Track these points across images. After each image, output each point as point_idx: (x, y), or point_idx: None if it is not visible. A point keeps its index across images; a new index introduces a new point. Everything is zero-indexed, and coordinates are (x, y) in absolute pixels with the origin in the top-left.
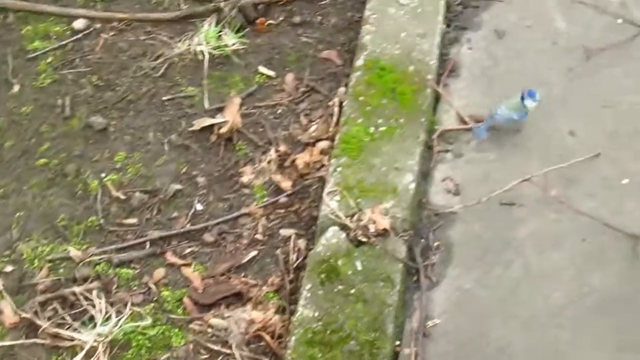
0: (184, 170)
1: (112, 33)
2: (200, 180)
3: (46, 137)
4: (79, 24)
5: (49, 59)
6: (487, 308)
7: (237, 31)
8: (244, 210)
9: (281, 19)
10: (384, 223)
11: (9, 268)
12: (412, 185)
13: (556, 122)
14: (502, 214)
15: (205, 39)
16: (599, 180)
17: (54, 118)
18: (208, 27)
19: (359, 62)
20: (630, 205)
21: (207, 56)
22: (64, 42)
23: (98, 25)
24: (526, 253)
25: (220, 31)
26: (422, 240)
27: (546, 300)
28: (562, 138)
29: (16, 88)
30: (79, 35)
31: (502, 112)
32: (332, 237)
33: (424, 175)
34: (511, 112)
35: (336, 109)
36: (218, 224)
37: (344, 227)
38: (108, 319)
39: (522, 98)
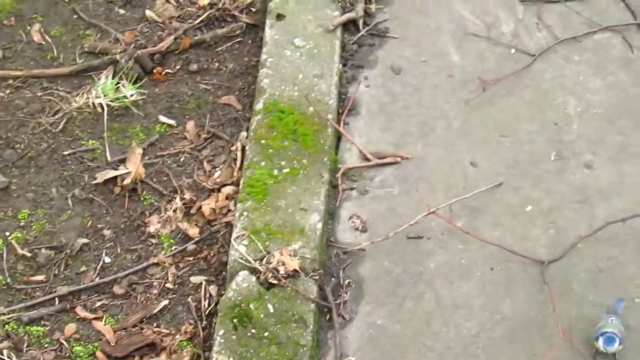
0: (89, 224)
1: (8, 91)
2: (107, 232)
3: None
4: None
5: None
6: (401, 342)
7: (135, 82)
8: (153, 260)
9: (178, 67)
10: (293, 264)
11: None
12: (319, 225)
13: (457, 154)
14: (410, 248)
15: (103, 91)
16: (503, 209)
17: None
18: (105, 80)
19: (259, 105)
20: (535, 232)
21: (106, 109)
22: None
23: None
24: (436, 285)
25: (117, 83)
26: (333, 279)
27: (459, 330)
28: (464, 169)
29: None
30: None
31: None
32: (242, 281)
33: (331, 214)
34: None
35: (239, 154)
36: (127, 275)
37: (253, 271)
38: None
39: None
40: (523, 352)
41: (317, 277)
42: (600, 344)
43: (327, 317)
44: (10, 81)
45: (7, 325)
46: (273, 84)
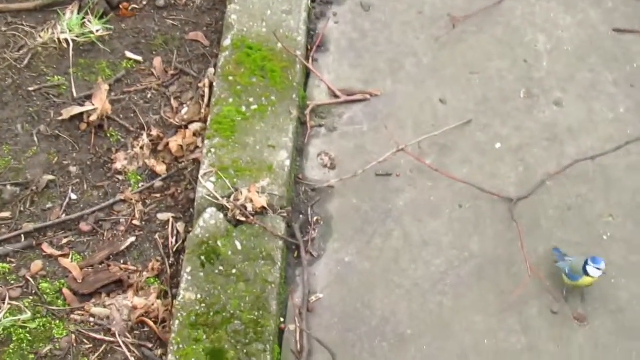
0: (55, 160)
1: None
2: (73, 169)
3: None
4: None
5: None
6: (369, 279)
7: (101, 17)
8: (120, 197)
9: (145, 3)
10: (261, 201)
11: None
12: (288, 162)
13: (426, 91)
14: (379, 185)
15: (69, 27)
16: (472, 147)
17: None
18: (70, 15)
19: (227, 42)
20: (504, 169)
21: (71, 44)
22: None
23: None
24: (405, 222)
25: (83, 18)
26: (301, 216)
27: (427, 268)
28: (433, 106)
29: None
30: None
31: (567, 271)
32: (210, 218)
33: (299, 151)
34: (575, 275)
35: (207, 90)
36: (94, 212)
37: (221, 208)
38: None
39: (586, 264)
40: (491, 289)
41: (285, 214)
42: (591, 266)
43: (295, 254)
44: None
45: None
46: (241, 20)
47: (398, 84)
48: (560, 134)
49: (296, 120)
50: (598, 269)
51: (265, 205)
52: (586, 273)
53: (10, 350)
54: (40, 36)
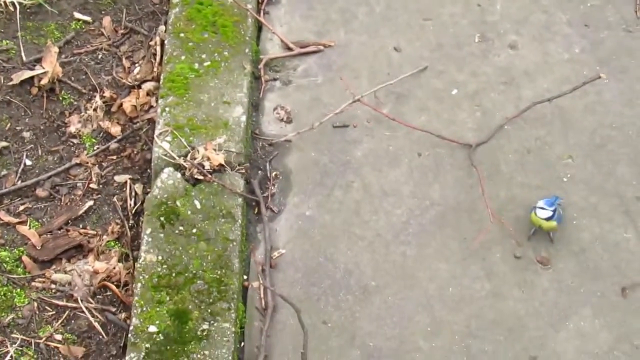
0: (7, 126)
1: None
2: (26, 134)
3: None
4: None
5: None
6: (331, 232)
7: None
8: (75, 160)
9: None
10: (219, 158)
11: None
12: (243, 118)
13: (380, 39)
14: (336, 137)
15: None
16: (428, 94)
17: None
18: None
19: None
20: (461, 115)
21: (18, 7)
22: None
23: None
24: (364, 173)
25: None
26: (260, 172)
27: (389, 218)
28: (387, 55)
29: None
30: None
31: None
32: (167, 178)
33: (255, 107)
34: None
35: (158, 49)
36: (50, 177)
37: (178, 167)
38: None
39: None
40: (453, 236)
41: (243, 171)
42: (540, 205)
43: (256, 210)
44: None
45: None
46: None
47: (351, 33)
48: (516, 77)
49: (250, 75)
50: (542, 208)
51: (223, 163)
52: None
53: None
54: None
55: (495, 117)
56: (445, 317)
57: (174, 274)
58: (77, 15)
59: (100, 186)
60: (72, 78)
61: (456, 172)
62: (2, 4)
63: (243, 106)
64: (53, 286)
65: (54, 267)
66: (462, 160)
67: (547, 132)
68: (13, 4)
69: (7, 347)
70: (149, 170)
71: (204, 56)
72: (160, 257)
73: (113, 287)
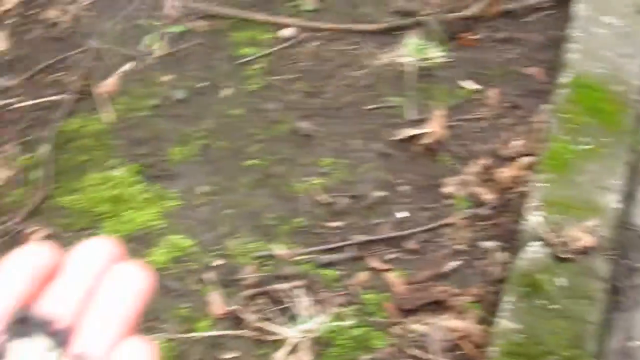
0: (387, 178)
1: (319, 42)
2: (403, 188)
3: (255, 139)
4: (287, 32)
5: (258, 65)
6: None
7: (442, 45)
8: (446, 220)
9: (484, 34)
10: (588, 241)
11: (218, 262)
12: (616, 205)
13: None
14: None
15: (410, 51)
16: None
17: (263, 121)
18: (412, 40)
19: (563, 79)
20: None
21: (411, 68)
22: (272, 49)
23: (305, 35)
24: None
25: (424, 44)
26: (626, 261)
27: None
28: None
29: (226, 92)
30: (287, 44)
31: None
32: (533, 251)
33: (628, 196)
34: None
35: (540, 126)
36: (420, 232)
37: (545, 243)
38: (311, 317)
39: None
40: None
41: (609, 257)
42: None
43: (617, 298)
44: (321, 33)
45: (302, 266)
46: (579, 59)
47: None
48: None
49: (627, 165)
50: None
51: (591, 245)
52: None
53: (333, 353)
54: (381, 58)
55: None
56: None
57: (529, 345)
58: (465, 83)
59: (467, 249)
60: (454, 142)
61: None
62: (397, 63)
63: (617, 194)
64: (410, 335)
65: (413, 317)
66: None
67: None
68: (408, 64)
69: None
70: (516, 241)
71: (583, 139)
72: (517, 326)
73: (468, 346)
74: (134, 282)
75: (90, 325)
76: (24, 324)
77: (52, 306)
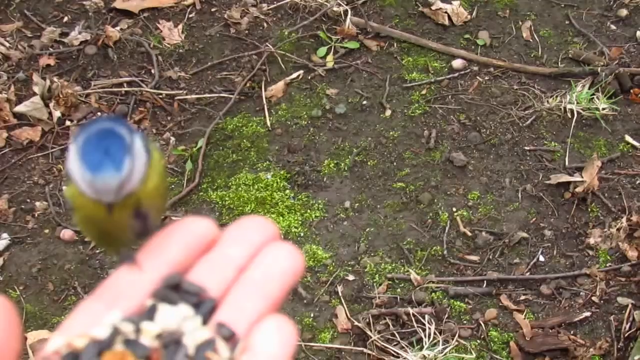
0: (532, 220)
1: (487, 77)
2: (547, 232)
3: (407, 163)
4: (457, 63)
5: (423, 91)
6: None
7: (610, 97)
8: (585, 270)
9: None
10: None
11: (350, 277)
12: None
13: None
14: None
15: (577, 99)
16: None
17: (418, 147)
18: (581, 88)
19: None
20: None
21: (575, 116)
22: (440, 78)
23: (475, 68)
24: None
25: (592, 94)
26: None
27: None
28: None
29: (388, 113)
30: (455, 74)
31: None
32: None
33: None
34: None
35: None
36: (557, 278)
37: None
38: (435, 344)
39: None
40: None
41: None
42: None
43: None
44: (491, 69)
45: (433, 293)
46: None
47: None
48: None
49: None
50: None
51: None
52: None
53: None
54: (547, 101)
55: None
56: None
57: None
58: (627, 138)
59: (601, 302)
60: (606, 194)
61: None
62: (562, 108)
63: None
64: None
65: None
66: None
67: None
68: (572, 111)
69: None
70: None
71: None
72: None
73: None
74: (284, 262)
75: (236, 299)
76: (175, 290)
77: (203, 277)
